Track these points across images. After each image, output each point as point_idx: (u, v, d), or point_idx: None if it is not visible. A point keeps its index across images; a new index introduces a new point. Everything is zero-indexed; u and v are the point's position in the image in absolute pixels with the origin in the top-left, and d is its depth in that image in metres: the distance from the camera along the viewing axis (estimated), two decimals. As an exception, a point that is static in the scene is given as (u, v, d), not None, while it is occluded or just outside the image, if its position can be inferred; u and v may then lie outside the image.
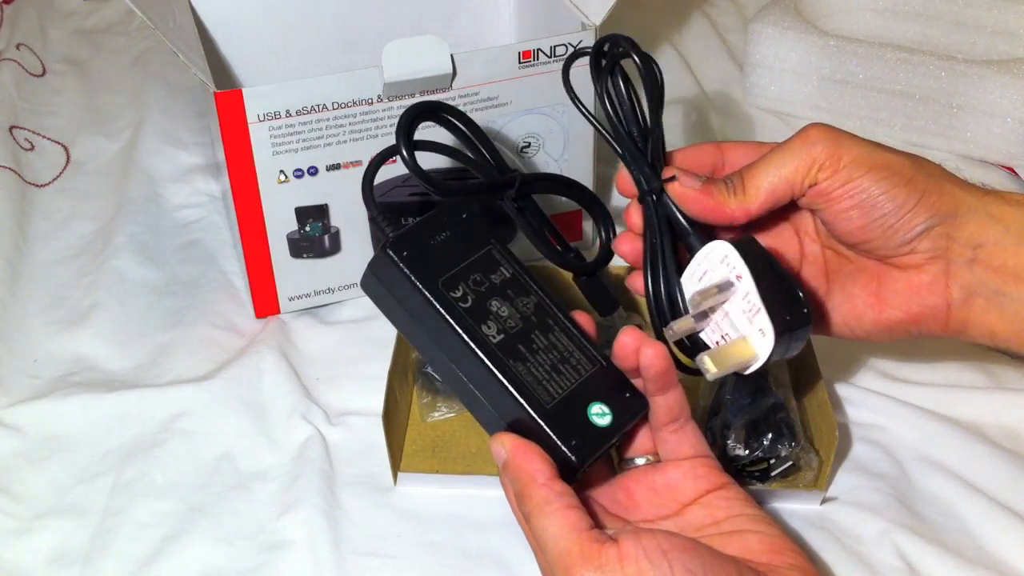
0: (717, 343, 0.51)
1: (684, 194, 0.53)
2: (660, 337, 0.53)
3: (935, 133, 0.85)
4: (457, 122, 0.57)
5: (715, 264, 0.51)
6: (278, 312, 0.72)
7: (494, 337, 0.49)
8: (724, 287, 0.50)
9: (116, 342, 0.71)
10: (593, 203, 0.61)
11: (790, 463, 0.58)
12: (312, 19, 0.83)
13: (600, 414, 0.49)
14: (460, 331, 0.49)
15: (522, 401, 0.48)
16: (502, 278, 0.51)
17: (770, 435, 0.58)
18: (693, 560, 0.43)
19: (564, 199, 0.73)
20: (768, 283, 0.50)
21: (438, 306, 0.49)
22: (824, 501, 0.58)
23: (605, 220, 0.61)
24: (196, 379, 0.67)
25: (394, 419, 0.60)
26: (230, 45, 0.82)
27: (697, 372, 0.51)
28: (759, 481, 0.58)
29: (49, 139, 0.91)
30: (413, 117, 0.54)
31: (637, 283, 0.55)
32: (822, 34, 0.87)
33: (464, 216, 0.53)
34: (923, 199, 0.51)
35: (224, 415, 0.65)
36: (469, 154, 0.58)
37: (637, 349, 0.48)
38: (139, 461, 0.62)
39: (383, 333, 0.69)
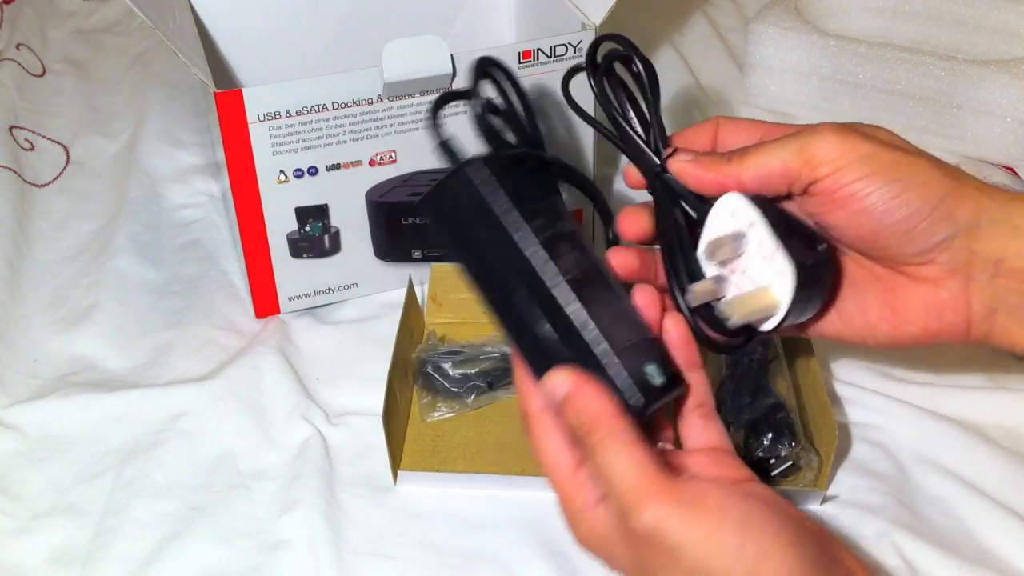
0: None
1: (680, 167, 0.51)
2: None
3: (935, 133, 0.85)
4: (515, 92, 0.54)
5: (726, 220, 0.50)
6: (278, 312, 0.72)
7: (567, 274, 0.47)
8: (737, 236, 0.49)
9: (116, 342, 0.71)
10: (598, 200, 0.60)
11: (790, 463, 0.58)
12: (312, 19, 0.83)
13: (652, 375, 0.47)
14: (545, 254, 0.47)
15: (601, 336, 0.46)
16: (566, 230, 0.49)
17: (770, 435, 0.58)
18: (773, 508, 0.41)
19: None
20: (783, 225, 0.48)
21: (528, 226, 0.47)
22: (824, 500, 0.58)
23: (607, 219, 0.60)
24: (196, 379, 0.67)
25: (394, 419, 0.60)
26: (230, 45, 0.82)
27: (725, 349, 0.50)
28: None
29: (49, 139, 0.91)
30: (485, 68, 0.52)
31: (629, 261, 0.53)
32: (822, 34, 0.87)
33: (535, 163, 0.51)
34: (940, 206, 0.48)
35: (224, 415, 0.65)
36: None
37: (658, 310, 0.48)
38: (139, 461, 0.62)
39: (383, 333, 0.69)
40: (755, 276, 0.49)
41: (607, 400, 0.45)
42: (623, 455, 0.43)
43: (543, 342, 0.47)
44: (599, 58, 0.54)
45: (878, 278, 0.52)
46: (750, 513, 0.41)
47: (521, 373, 0.48)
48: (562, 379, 0.45)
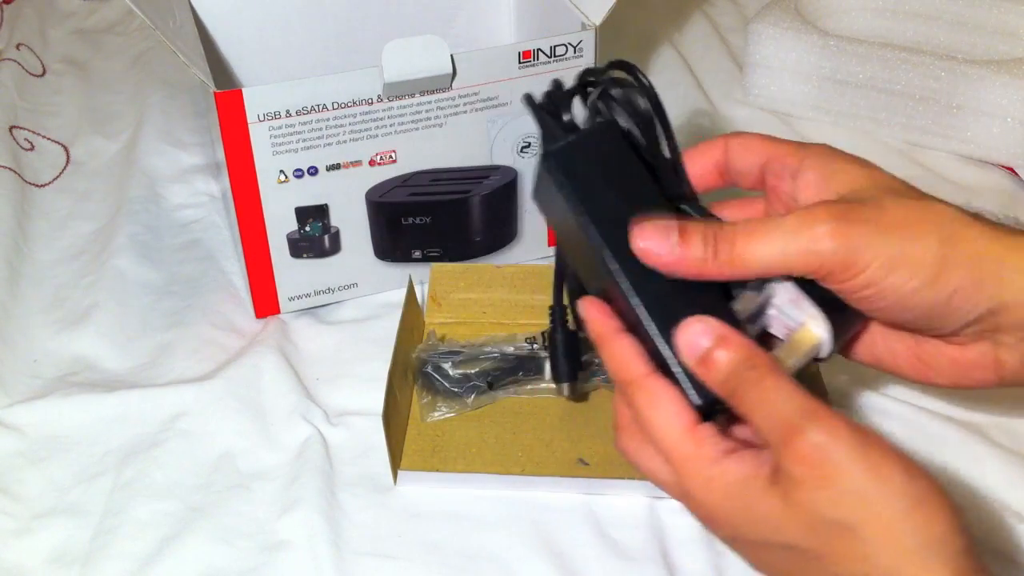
0: (785, 336, 0.50)
1: (652, 258, 0.45)
2: None
3: (935, 133, 0.85)
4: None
5: None
6: (278, 312, 0.72)
7: None
8: (755, 287, 0.49)
9: (116, 342, 0.71)
10: None
11: None
12: (312, 19, 0.83)
13: None
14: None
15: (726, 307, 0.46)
16: None
17: None
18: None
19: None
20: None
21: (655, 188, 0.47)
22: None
23: None
24: (196, 379, 0.67)
25: (394, 419, 0.60)
26: (230, 45, 0.82)
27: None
28: None
29: (49, 139, 0.91)
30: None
31: None
32: (822, 34, 0.87)
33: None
34: (957, 294, 0.44)
35: (224, 415, 0.65)
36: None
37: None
38: (139, 461, 0.62)
39: (383, 333, 0.69)
40: (789, 313, 0.48)
41: (756, 344, 0.44)
42: (788, 386, 0.42)
43: (672, 300, 0.45)
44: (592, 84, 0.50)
45: (909, 333, 0.50)
46: (912, 464, 0.40)
47: (619, 343, 0.46)
48: (706, 325, 0.44)
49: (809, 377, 0.62)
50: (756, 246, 0.45)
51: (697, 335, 0.44)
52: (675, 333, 0.44)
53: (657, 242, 0.45)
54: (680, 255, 0.45)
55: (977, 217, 0.46)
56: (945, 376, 0.49)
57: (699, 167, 0.52)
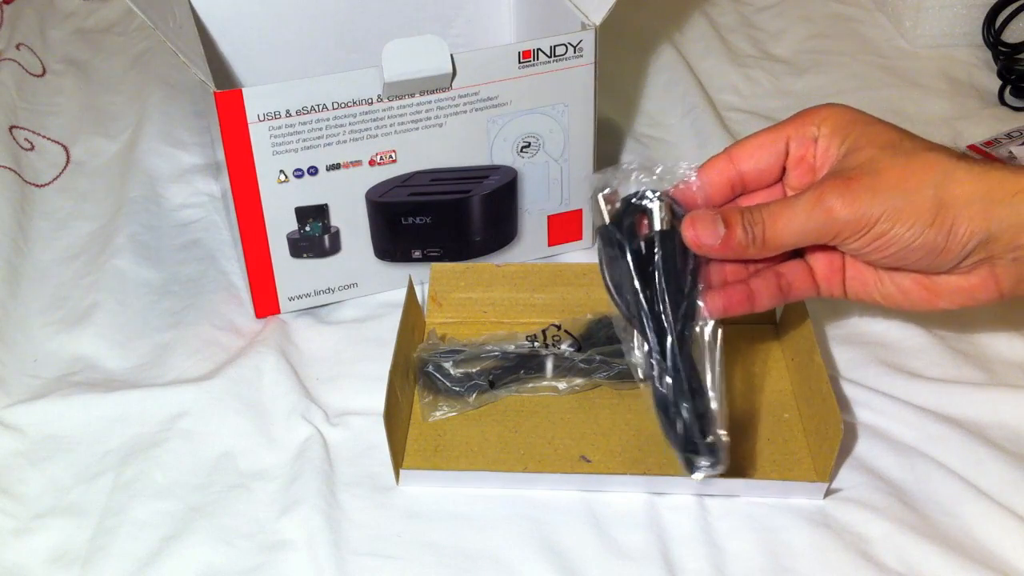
0: None
1: (704, 247, 0.55)
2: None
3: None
4: None
5: None
6: (278, 312, 0.72)
7: None
8: None
9: (116, 342, 0.71)
10: None
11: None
12: (312, 19, 0.83)
13: None
14: None
15: None
16: None
17: None
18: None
19: (555, 204, 0.73)
20: None
21: None
22: (828, 494, 0.58)
23: None
24: (196, 379, 0.67)
25: (396, 418, 0.60)
26: (230, 45, 0.82)
27: None
28: None
29: (49, 139, 0.91)
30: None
31: None
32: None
33: None
34: (952, 233, 0.52)
35: (224, 415, 0.65)
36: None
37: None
38: (139, 461, 0.62)
39: (383, 333, 0.69)
40: None
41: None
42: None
43: None
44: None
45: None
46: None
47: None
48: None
49: (815, 376, 0.62)
50: (782, 228, 0.54)
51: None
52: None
53: (707, 231, 0.54)
54: (726, 241, 0.54)
55: (964, 158, 0.53)
56: (953, 301, 0.56)
57: (712, 182, 0.57)
